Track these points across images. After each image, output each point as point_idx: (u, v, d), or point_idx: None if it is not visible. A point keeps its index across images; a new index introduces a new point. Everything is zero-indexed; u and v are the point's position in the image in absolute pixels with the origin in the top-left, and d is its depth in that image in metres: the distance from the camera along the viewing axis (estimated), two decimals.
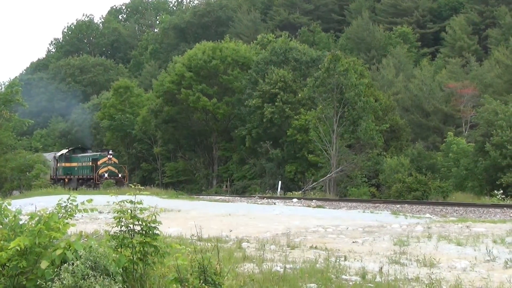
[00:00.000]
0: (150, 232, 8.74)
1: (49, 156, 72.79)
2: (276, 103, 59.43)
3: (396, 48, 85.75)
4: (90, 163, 63.86)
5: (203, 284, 8.06)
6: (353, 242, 16.94)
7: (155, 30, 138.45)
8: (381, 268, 11.89)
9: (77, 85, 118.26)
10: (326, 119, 51.36)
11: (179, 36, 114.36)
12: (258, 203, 36.92)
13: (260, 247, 14.90)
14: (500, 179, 44.43)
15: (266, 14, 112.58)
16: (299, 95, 59.01)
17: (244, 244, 15.79)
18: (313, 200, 37.97)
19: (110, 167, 62.75)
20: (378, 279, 10.91)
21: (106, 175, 61.55)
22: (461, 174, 50.21)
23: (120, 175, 62.94)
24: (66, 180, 67.98)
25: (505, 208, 29.06)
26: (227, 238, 17.24)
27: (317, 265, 12.10)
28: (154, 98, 74.09)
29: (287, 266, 11.73)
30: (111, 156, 63.54)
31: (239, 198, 42.93)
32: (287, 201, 38.37)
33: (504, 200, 37.54)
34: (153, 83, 79.70)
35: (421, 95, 68.13)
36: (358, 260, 13.26)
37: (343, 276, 11.08)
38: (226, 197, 44.28)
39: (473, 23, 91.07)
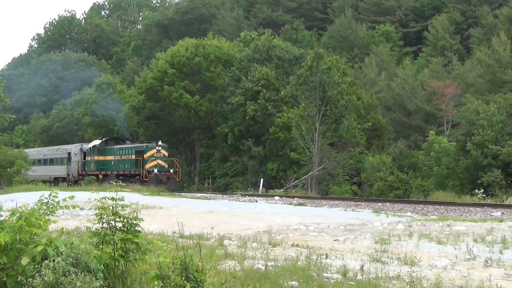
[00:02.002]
0: (132, 229, 8.73)
1: (74, 148, 65.92)
2: (258, 101, 59.47)
3: (379, 46, 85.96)
4: (134, 156, 55.07)
5: (185, 281, 8.04)
6: (335, 240, 16.96)
7: (138, 27, 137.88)
8: (362, 266, 11.92)
9: (59, 81, 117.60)
10: (309, 117, 51.41)
11: (162, 32, 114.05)
12: (240, 201, 36.94)
13: (241, 245, 14.89)
14: (481, 178, 44.66)
15: (249, 11, 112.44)
16: (282, 93, 59.02)
17: (226, 242, 15.78)
18: (295, 198, 38.00)
19: (159, 161, 53.38)
20: (359, 277, 10.93)
21: (155, 170, 51.97)
22: (442, 173, 50.46)
23: (171, 171, 53.97)
24: (101, 176, 58.37)
25: (485, 207, 29.20)
26: (208, 236, 17.20)
27: (299, 263, 12.10)
28: (137, 94, 73.87)
29: (269, 263, 11.74)
30: (160, 148, 54.00)
31: (221, 195, 42.94)
32: (269, 198, 38.40)
33: (485, 199, 37.73)
34: (135, 80, 79.46)
35: (403, 94, 68.37)
36: (339, 258, 13.27)
37: (325, 274, 11.09)
38: (208, 194, 44.31)
39: (456, 22, 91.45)
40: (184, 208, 29.09)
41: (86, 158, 62.42)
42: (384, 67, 79.18)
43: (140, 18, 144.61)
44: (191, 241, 13.33)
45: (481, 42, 78.04)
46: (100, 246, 8.56)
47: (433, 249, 15.00)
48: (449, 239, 16.56)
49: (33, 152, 75.57)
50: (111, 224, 8.74)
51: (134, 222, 8.78)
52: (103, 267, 8.23)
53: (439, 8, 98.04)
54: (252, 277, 10.10)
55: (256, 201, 36.11)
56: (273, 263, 11.94)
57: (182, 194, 45.40)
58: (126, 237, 8.64)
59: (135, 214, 8.83)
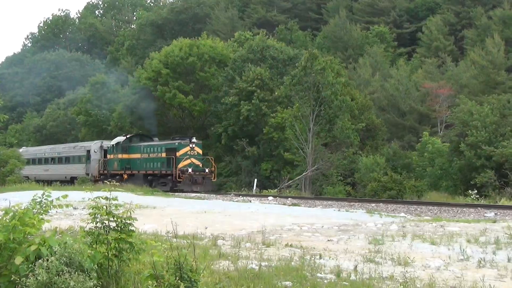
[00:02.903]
0: (125, 228, 8.74)
1: (94, 145, 61.90)
2: (252, 101, 59.44)
3: (373, 47, 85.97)
4: (164, 154, 50.61)
5: (179, 281, 8.04)
6: (328, 240, 16.98)
7: (132, 26, 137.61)
8: (356, 266, 11.94)
9: (53, 80, 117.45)
10: (303, 118, 51.44)
11: (156, 32, 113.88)
12: (233, 201, 36.93)
13: (235, 245, 14.91)
14: (474, 179, 44.75)
15: (243, 11, 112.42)
16: (276, 93, 59.05)
17: (220, 242, 15.79)
18: (289, 198, 38.01)
19: (193, 160, 49.27)
20: (353, 277, 10.95)
21: (190, 170, 47.67)
22: (436, 173, 50.53)
23: (207, 170, 49.27)
24: (125, 176, 54.03)
25: (479, 208, 29.27)
26: (202, 235, 17.20)
27: (292, 263, 12.12)
28: (130, 94, 73.76)
29: (262, 263, 11.74)
30: (194, 146, 49.67)
31: (214, 195, 42.89)
32: (262, 199, 38.39)
33: (478, 200, 37.77)
34: (129, 79, 79.37)
35: (397, 94, 68.43)
36: (333, 259, 13.28)
37: (318, 274, 11.11)
38: (202, 194, 44.17)
39: (450, 23, 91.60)
40: (177, 208, 29.08)
41: (108, 156, 58.30)
42: (378, 68, 79.24)
43: (134, 18, 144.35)
44: (185, 241, 13.32)
45: (475, 43, 78.20)
46: (94, 246, 8.56)
47: (426, 250, 15.03)
48: (442, 239, 16.58)
49: (46, 150, 73.33)
50: (105, 223, 8.75)
51: (128, 221, 8.79)
52: (96, 267, 8.23)
53: (433, 9, 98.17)
54: (246, 277, 10.10)
55: (250, 201, 36.10)
56: (267, 263, 11.95)
57: (176, 194, 45.29)
58: (119, 237, 8.64)
59: (129, 213, 8.83)
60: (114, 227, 8.74)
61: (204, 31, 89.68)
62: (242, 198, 39.58)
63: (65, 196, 9.08)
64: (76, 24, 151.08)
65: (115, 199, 8.88)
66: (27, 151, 75.31)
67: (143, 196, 37.92)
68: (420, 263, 12.92)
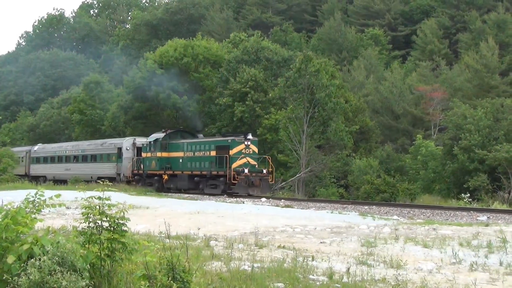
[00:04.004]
0: (118, 228, 8.73)
1: (125, 142, 56.32)
2: (246, 102, 59.48)
3: (368, 50, 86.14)
4: (214, 153, 44.76)
5: (172, 281, 8.04)
6: (321, 242, 16.99)
7: (127, 26, 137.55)
8: (348, 268, 11.95)
9: (47, 79, 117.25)
10: (296, 119, 51.46)
11: (150, 32, 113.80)
12: (226, 202, 36.88)
13: (228, 246, 14.91)
14: (467, 183, 44.88)
15: (238, 12, 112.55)
16: (270, 94, 59.13)
17: (212, 243, 15.79)
18: (282, 200, 37.97)
19: (249, 159, 43.33)
20: (345, 279, 10.97)
21: (246, 170, 41.95)
22: (429, 176, 50.66)
23: (264, 171, 43.43)
24: (165, 177, 48.78)
25: (471, 212, 29.32)
26: (195, 236, 17.21)
27: (285, 265, 12.14)
28: (124, 94, 73.69)
29: (255, 265, 11.75)
30: (249, 143, 43.64)
31: (207, 196, 42.83)
32: (255, 200, 38.33)
33: (471, 203, 37.90)
34: (123, 79, 79.29)
35: (391, 97, 68.55)
36: (325, 261, 13.30)
37: (311, 276, 11.12)
38: (195, 195, 44.03)
39: (444, 27, 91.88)
40: (170, 208, 29.07)
41: (143, 154, 52.37)
42: (373, 71, 79.38)
43: (129, 18, 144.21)
44: (177, 242, 13.32)
45: (469, 47, 78.50)
46: (86, 246, 8.55)
47: (419, 253, 15.05)
48: (435, 242, 16.61)
49: (68, 147, 67.16)
50: (98, 223, 8.74)
51: (121, 221, 8.79)
52: (89, 267, 8.22)
53: (428, 12, 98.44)
54: (238, 278, 10.11)
55: (243, 203, 36.07)
56: (259, 265, 11.95)
57: (169, 194, 45.22)
58: (112, 237, 8.63)
59: (122, 213, 8.83)
60: (107, 227, 8.73)
61: (199, 31, 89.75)
62: (235, 199, 39.55)
63: (58, 196, 9.06)
64: (71, 23, 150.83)
65: (108, 199, 8.87)
66: (43, 148, 72.09)
67: (136, 196, 37.90)
68: (413, 266, 12.94)
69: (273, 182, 46.08)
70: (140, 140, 55.08)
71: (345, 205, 34.20)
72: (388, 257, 13.73)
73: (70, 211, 25.05)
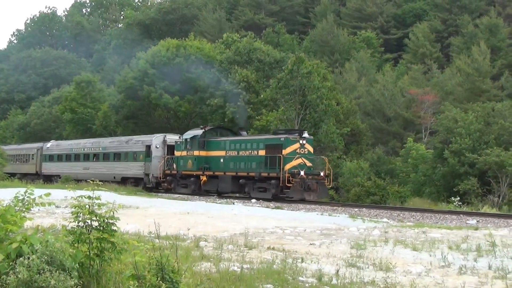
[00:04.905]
0: (108, 228, 8.72)
1: (155, 139, 51.47)
2: (238, 103, 59.42)
3: (360, 52, 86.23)
4: (263, 152, 39.93)
5: (161, 282, 8.04)
6: (311, 244, 16.99)
7: (119, 25, 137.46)
8: (338, 270, 11.97)
9: (38, 78, 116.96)
10: (288, 121, 51.46)
11: (143, 32, 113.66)
12: (217, 203, 36.91)
13: (217, 247, 14.90)
14: (457, 186, 45.04)
15: (231, 13, 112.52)
16: (262, 95, 59.08)
17: (202, 243, 15.78)
18: (272, 201, 37.95)
19: (303, 160, 38.65)
20: (334, 281, 10.99)
21: (302, 172, 37.29)
22: (419, 180, 50.76)
23: (321, 174, 39.01)
24: (204, 178, 44.38)
25: (461, 215, 29.42)
26: (185, 237, 17.21)
27: (274, 266, 12.14)
28: (116, 93, 73.57)
29: (244, 266, 11.76)
30: (304, 142, 39.02)
31: (198, 197, 42.75)
32: (246, 201, 38.33)
33: (461, 207, 38.06)
34: (115, 79, 79.14)
35: (383, 100, 68.62)
36: (315, 262, 13.30)
37: (300, 278, 11.13)
38: (185, 195, 43.86)
39: (436, 30, 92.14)
40: (160, 209, 29.02)
41: (176, 153, 47.69)
42: (364, 73, 79.46)
43: (122, 17, 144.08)
44: (167, 242, 13.31)
45: (461, 51, 78.72)
46: (76, 245, 8.54)
47: (408, 256, 15.07)
48: (424, 246, 16.64)
49: (86, 144, 61.78)
50: (87, 222, 8.73)
51: (110, 221, 8.78)
52: (78, 266, 8.20)
53: (421, 15, 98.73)
54: (227, 279, 10.12)
55: (233, 204, 36.08)
56: (248, 266, 11.96)
57: (159, 194, 45.10)
58: (102, 236, 8.63)
59: (112, 213, 8.82)
60: (96, 226, 8.72)
61: (191, 32, 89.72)
62: (225, 200, 39.55)
63: (48, 194, 9.06)
64: (63, 22, 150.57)
65: (98, 198, 8.87)
66: (58, 145, 66.38)
67: (126, 196, 37.81)
68: (402, 269, 12.96)
69: (330, 185, 41.63)
70: (171, 137, 51.10)
71: (335, 207, 34.24)
72: (378, 259, 13.75)
73: (60, 210, 24.98)
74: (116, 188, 44.80)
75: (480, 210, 35.41)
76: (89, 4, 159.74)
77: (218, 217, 25.14)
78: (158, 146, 50.40)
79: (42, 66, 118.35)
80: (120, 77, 74.34)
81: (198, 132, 46.10)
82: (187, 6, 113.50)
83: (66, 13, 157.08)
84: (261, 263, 12.53)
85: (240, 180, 41.32)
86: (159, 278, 8.08)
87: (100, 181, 9.58)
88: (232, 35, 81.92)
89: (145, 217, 23.12)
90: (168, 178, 48.09)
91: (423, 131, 63.94)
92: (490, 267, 13.28)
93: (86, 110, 77.80)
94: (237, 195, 43.56)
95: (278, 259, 13.27)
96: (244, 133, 46.66)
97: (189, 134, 46.66)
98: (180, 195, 43.43)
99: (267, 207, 33.95)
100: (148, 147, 51.07)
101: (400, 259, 14.31)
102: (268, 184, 39.06)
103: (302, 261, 13.34)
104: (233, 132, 47.49)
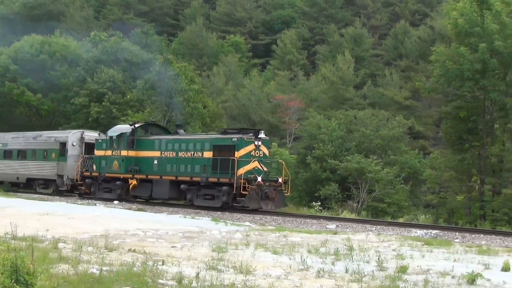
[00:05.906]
0: None
1: (71, 136, 45.42)
2: (103, 103, 58.54)
3: (228, 56, 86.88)
4: (210, 154, 34.99)
5: (15, 284, 7.82)
6: (172, 246, 16.99)
7: None
8: (198, 273, 11.98)
9: None
10: None
11: (6, 26, 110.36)
12: (78, 203, 36.29)
13: (77, 248, 14.66)
14: (318, 191, 45.93)
15: (99, 12, 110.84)
16: (128, 96, 58.47)
17: (61, 245, 15.49)
18: (135, 203, 37.62)
19: (259, 164, 33.88)
20: (194, 284, 11.01)
21: (259, 179, 32.76)
22: None
23: (279, 180, 34.25)
24: (134, 182, 38.57)
25: (321, 220, 30.00)
26: (43, 238, 16.82)
27: (134, 269, 12.06)
28: None
29: (104, 268, 11.62)
30: (260, 143, 33.99)
31: (58, 197, 41.82)
32: (108, 203, 37.79)
33: (322, 211, 38.84)
34: None
35: (249, 104, 69.37)
36: (175, 265, 13.29)
37: (160, 280, 11.10)
38: (45, 195, 42.66)
39: (303, 38, 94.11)
40: (19, 209, 28.26)
41: (96, 152, 41.64)
42: (232, 77, 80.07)
43: None
44: (24, 243, 12.98)
45: (326, 59, 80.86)
46: None
47: (268, 259, 15.28)
48: (284, 249, 16.92)
49: None
50: None
51: None
52: None
53: (289, 23, 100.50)
54: (85, 282, 9.98)
55: (95, 205, 35.58)
56: (108, 268, 11.84)
57: (18, 194, 43.74)
58: None
59: None
60: None
61: (57, 29, 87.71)
62: (87, 201, 38.91)
63: None
64: None
65: None
66: None
67: None
68: (262, 272, 13.10)
69: (288, 194, 36.42)
70: (90, 134, 45.37)
71: (198, 210, 34.18)
72: (238, 262, 13.84)
73: None
74: None
75: (340, 215, 36.19)
76: None
77: (79, 218, 24.75)
78: (75, 144, 44.58)
79: None
80: None
81: (127, 128, 40.17)
82: (54, 2, 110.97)
83: None
84: (121, 265, 12.43)
85: (182, 186, 35.98)
86: (13, 280, 7.86)
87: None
88: (100, 33, 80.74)
89: (1, 218, 22.40)
90: (87, 180, 41.87)
91: (287, 136, 64.99)
92: (347, 271, 13.62)
93: None
94: (175, 202, 38.81)
95: (138, 261, 13.19)
96: (182, 131, 41.40)
97: (115, 131, 40.64)
98: (40, 196, 42.26)
99: (130, 208, 33.70)
100: (63, 144, 45.09)
101: (260, 262, 14.47)
102: (218, 191, 34.13)
103: (163, 263, 13.30)
104: (167, 130, 43.03)
